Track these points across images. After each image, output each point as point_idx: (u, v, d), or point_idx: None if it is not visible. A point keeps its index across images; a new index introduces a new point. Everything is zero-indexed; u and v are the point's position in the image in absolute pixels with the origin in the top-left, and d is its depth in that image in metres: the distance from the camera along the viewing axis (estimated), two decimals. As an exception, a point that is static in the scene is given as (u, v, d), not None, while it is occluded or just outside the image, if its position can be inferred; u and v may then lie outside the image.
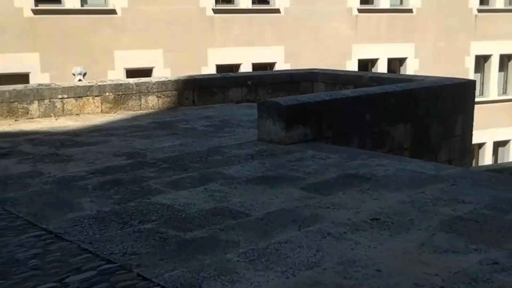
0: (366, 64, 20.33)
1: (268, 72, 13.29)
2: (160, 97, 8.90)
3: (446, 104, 7.78)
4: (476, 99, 21.10)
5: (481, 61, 22.01)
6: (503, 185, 4.61)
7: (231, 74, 10.22)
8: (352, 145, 6.71)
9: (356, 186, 4.53)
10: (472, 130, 8.44)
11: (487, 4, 21.76)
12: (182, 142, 6.42)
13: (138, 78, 9.17)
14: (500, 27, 21.71)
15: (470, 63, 21.52)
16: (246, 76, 9.83)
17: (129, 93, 8.69)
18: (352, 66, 19.65)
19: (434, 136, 7.74)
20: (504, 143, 22.52)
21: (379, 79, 8.96)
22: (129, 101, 8.70)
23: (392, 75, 9.66)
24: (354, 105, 6.68)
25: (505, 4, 21.97)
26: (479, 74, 22.14)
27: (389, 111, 7.06)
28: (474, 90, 8.21)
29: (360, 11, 19.59)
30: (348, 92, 6.76)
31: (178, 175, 4.94)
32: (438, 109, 7.68)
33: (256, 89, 9.60)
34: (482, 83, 22.28)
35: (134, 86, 8.74)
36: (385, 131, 7.07)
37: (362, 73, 10.78)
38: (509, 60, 22.44)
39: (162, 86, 8.94)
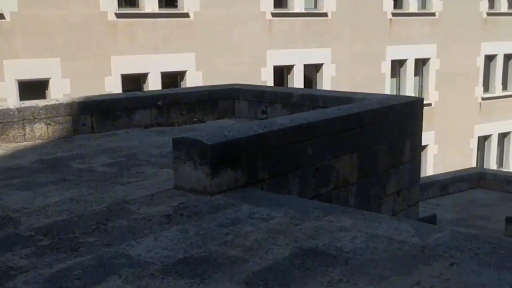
0: (281, 71, 19.25)
1: (181, 89, 11.79)
2: (50, 124, 7.23)
3: (394, 128, 6.65)
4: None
5: (397, 65, 21.49)
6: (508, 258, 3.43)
7: (138, 93, 8.65)
8: (293, 187, 5.41)
9: (321, 273, 3.20)
10: (420, 155, 7.37)
11: (401, 8, 21.24)
12: (74, 195, 4.85)
13: (21, 102, 7.46)
14: (414, 31, 21.28)
15: (387, 68, 20.93)
16: (155, 95, 8.30)
17: (9, 120, 6.97)
18: (267, 73, 18.50)
19: (382, 165, 6.58)
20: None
21: (311, 97, 7.73)
22: (9, 130, 6.99)
23: (326, 92, 8.46)
24: (294, 136, 5.37)
25: (418, 8, 21.54)
26: (395, 79, 21.64)
27: (333, 141, 5.81)
28: (422, 109, 7.14)
29: (274, 15, 18.45)
30: (286, 121, 5.43)
31: (63, 262, 3.41)
32: (385, 134, 6.53)
33: (169, 110, 8.11)
34: (398, 88, 21.79)
35: (16, 112, 7.02)
36: (329, 166, 5.81)
37: (292, 89, 9.57)
38: (423, 65, 22.06)
39: (52, 111, 7.27)
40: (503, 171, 15.96)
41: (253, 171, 4.96)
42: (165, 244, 3.69)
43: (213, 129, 6.12)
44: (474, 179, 14.19)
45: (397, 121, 6.66)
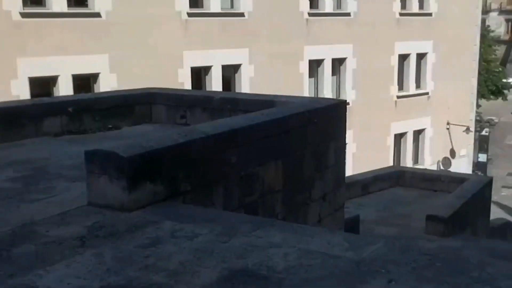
0: (199, 72, 18.91)
1: (94, 95, 11.17)
2: None
3: (318, 132, 6.46)
4: (311, 104, 20.59)
5: (315, 65, 21.60)
6: (449, 272, 3.28)
7: (46, 99, 8.08)
8: (217, 198, 5.10)
9: (255, 299, 2.91)
10: (345, 157, 7.24)
11: (317, 8, 21.36)
12: (-27, 217, 4.34)
13: None
14: (331, 31, 21.46)
15: (305, 68, 20.99)
16: (66, 101, 7.76)
17: None
18: (184, 74, 18.11)
19: (307, 170, 6.38)
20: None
21: (233, 100, 7.45)
22: None
23: (247, 96, 8.20)
24: (217, 145, 5.06)
25: (334, 8, 21.74)
26: (313, 79, 21.75)
27: (257, 147, 5.54)
28: (345, 112, 7.01)
29: (189, 15, 18.08)
30: (208, 128, 5.11)
31: (-43, 301, 2.96)
32: (310, 139, 6.33)
33: (81, 116, 7.59)
34: (317, 88, 21.92)
35: None
36: (254, 174, 5.54)
37: (212, 93, 9.24)
38: (340, 64, 22.29)
39: (-51, 120, 6.62)
40: (420, 169, 16.31)
41: (174, 184, 4.61)
42: (79, 271, 3.29)
43: (130, 139, 5.72)
44: (394, 178, 14.38)
45: (321, 125, 6.48)
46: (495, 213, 28.06)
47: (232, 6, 19.39)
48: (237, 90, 19.90)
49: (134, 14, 16.56)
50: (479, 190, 12.56)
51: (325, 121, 6.58)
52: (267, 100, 7.14)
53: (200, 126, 5.41)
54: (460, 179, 13.79)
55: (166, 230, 3.94)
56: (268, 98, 7.35)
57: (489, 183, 13.30)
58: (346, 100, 7.15)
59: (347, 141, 21.54)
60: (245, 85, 19.70)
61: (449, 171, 16.85)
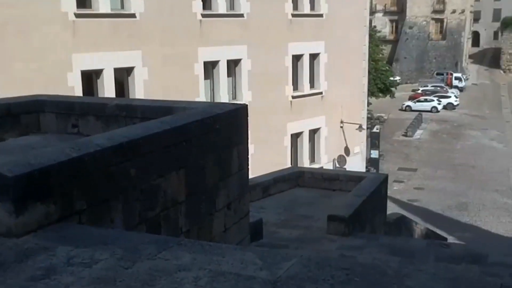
0: (90, 76, 18.12)
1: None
2: None
3: (221, 138, 6.21)
4: (208, 106, 20.28)
5: (210, 67, 21.36)
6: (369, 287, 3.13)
7: None
8: (116, 215, 4.71)
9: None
10: (248, 163, 7.04)
11: (210, 9, 21.13)
12: None
13: None
14: (225, 32, 21.30)
15: (200, 70, 20.69)
16: None
17: None
18: (74, 79, 17.27)
19: (210, 179, 6.10)
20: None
21: (128, 107, 7.02)
22: None
23: (144, 102, 7.74)
24: (114, 157, 4.66)
25: (227, 9, 21.60)
26: (209, 81, 21.50)
27: (158, 158, 5.19)
28: (247, 116, 6.81)
29: (77, 15, 17.26)
30: (103, 140, 4.70)
31: None
32: (212, 146, 6.06)
33: (-42, 129, 6.89)
34: (213, 90, 21.70)
35: None
36: (156, 186, 5.20)
37: (106, 99, 8.72)
38: (236, 65, 22.20)
39: None
40: (319, 169, 16.48)
41: (68, 202, 4.18)
42: (-44, 316, 2.83)
43: (16, 154, 5.18)
44: (293, 179, 14.40)
45: (223, 131, 6.23)
46: (389, 207, 29.11)
47: (122, 7, 18.76)
48: (131, 94, 19.29)
49: (15, 15, 15.57)
50: (376, 187, 12.82)
51: (227, 127, 6.34)
52: (166, 107, 6.79)
53: (95, 137, 4.98)
54: (357, 177, 14.03)
55: (61, 257, 3.52)
56: (166, 104, 7.00)
57: (385, 180, 13.63)
58: (247, 104, 6.93)
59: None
60: (139, 88, 19.13)
61: (347, 170, 17.19)
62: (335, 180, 14.30)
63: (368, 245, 10.89)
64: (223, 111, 6.38)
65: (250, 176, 20.52)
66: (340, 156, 27.05)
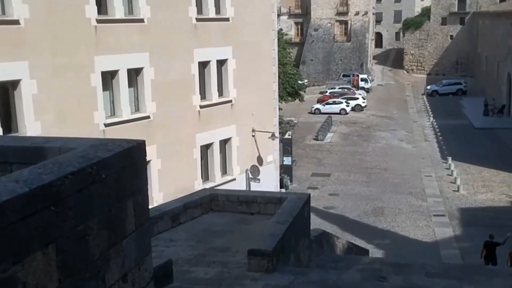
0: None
1: None
2: None
3: (109, 191, 4.54)
4: (108, 121, 18.40)
5: (109, 77, 19.38)
6: None
7: None
8: None
9: None
10: (149, 216, 5.39)
11: (106, 14, 19.14)
12: None
13: None
14: (124, 39, 19.41)
15: (97, 81, 18.68)
16: None
17: None
18: None
19: (96, 249, 4.41)
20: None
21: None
22: None
23: (3, 141, 5.84)
24: None
25: (125, 14, 19.68)
26: (108, 92, 19.53)
27: (9, 237, 3.47)
28: (145, 155, 5.18)
29: (-51, 23, 14.88)
30: None
31: None
32: (96, 204, 4.38)
33: None
34: (113, 102, 19.74)
35: None
36: (8, 279, 3.47)
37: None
38: (137, 75, 20.31)
39: None
40: (235, 191, 14.95)
41: None
42: None
43: None
44: (206, 203, 12.81)
45: (112, 181, 4.57)
46: (315, 224, 28.11)
47: (3, 12, 16.48)
48: (18, 110, 17.05)
49: None
50: (299, 211, 11.46)
51: (117, 173, 4.67)
52: (34, 148, 5.04)
53: None
54: (276, 199, 12.65)
55: None
56: (36, 143, 5.21)
57: (307, 201, 12.29)
58: (144, 141, 5.25)
59: (150, 158, 19.54)
60: (28, 104, 16.92)
61: (264, 191, 15.83)
62: (252, 203, 12.84)
63: (296, 282, 9.50)
64: (111, 154, 4.69)
65: (157, 192, 18.68)
66: (253, 166, 25.73)
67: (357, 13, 77.22)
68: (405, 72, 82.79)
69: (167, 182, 21.30)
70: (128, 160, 4.88)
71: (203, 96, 22.95)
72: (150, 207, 15.54)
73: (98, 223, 4.44)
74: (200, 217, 12.69)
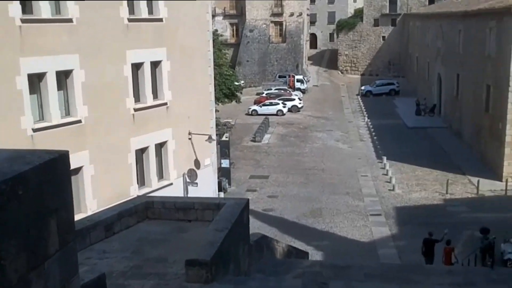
0: None
1: None
2: None
3: (28, 208, 4.04)
4: (36, 126, 17.50)
5: (36, 80, 18.48)
6: None
7: None
8: None
9: None
10: (75, 233, 4.90)
11: (32, 13, 18.23)
12: None
13: None
14: (51, 40, 18.54)
15: (23, 84, 17.75)
16: None
17: None
18: None
19: (13, 274, 3.92)
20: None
21: None
22: None
23: None
24: None
25: (52, 14, 18.81)
26: (35, 96, 18.61)
27: None
28: (68, 167, 4.67)
29: None
30: None
31: None
32: (13, 223, 3.88)
33: None
34: (41, 106, 18.83)
35: None
36: None
37: None
38: (67, 77, 19.46)
39: None
40: (171, 197, 14.45)
41: None
42: None
43: None
44: (141, 211, 12.27)
45: (31, 197, 4.07)
46: (254, 227, 27.82)
47: None
48: None
49: None
50: (238, 217, 11.11)
51: (38, 189, 4.17)
52: None
53: None
54: (214, 205, 12.25)
55: None
56: None
57: (246, 206, 11.95)
58: (67, 151, 4.76)
59: (82, 164, 18.73)
60: None
61: (202, 197, 15.37)
62: (190, 210, 12.39)
63: (237, 293, 9.16)
64: (29, 167, 4.19)
65: (91, 199, 17.89)
66: (191, 170, 25.22)
67: (291, 14, 77.67)
68: (339, 72, 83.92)
69: (101, 188, 20.55)
70: (50, 174, 4.39)
71: (137, 99, 22.28)
72: (83, 215, 14.86)
73: (16, 245, 3.95)
74: (136, 226, 12.15)
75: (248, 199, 12.34)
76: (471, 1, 48.28)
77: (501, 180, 33.23)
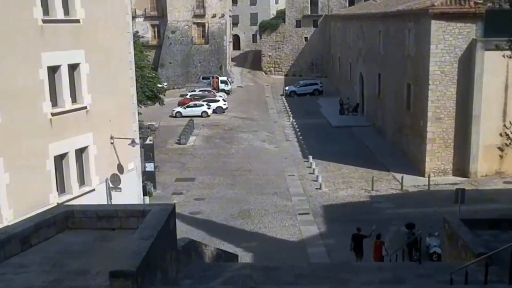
0: None
1: None
2: None
3: None
4: None
5: None
6: None
7: None
8: None
9: None
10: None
11: None
12: None
13: None
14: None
15: None
16: None
17: None
18: None
19: None
20: None
21: None
22: None
23: None
24: None
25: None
26: None
27: None
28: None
29: None
30: None
31: None
32: None
33: None
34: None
35: None
36: None
37: None
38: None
39: None
40: (92, 205, 13.78)
41: None
42: None
43: None
44: (61, 221, 11.58)
45: None
46: (181, 231, 27.23)
47: None
48: None
49: None
50: (164, 223, 10.65)
51: None
52: None
53: None
54: (139, 211, 11.72)
55: None
56: None
57: (172, 212, 11.50)
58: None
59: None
60: None
61: (126, 204, 14.72)
62: (113, 218, 11.80)
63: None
64: None
65: (7, 211, 16.84)
66: (114, 175, 24.39)
67: (214, 16, 77.31)
68: (263, 73, 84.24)
69: (18, 197, 19.48)
70: None
71: (54, 103, 21.25)
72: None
73: None
74: (55, 237, 11.45)
75: (174, 204, 11.88)
76: (390, 3, 49.53)
77: (423, 176, 34.13)
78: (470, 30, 33.12)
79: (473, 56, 32.87)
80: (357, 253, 22.38)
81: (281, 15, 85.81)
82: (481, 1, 31.84)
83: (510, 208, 28.48)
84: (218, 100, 60.57)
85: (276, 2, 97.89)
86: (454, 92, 33.74)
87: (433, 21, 33.17)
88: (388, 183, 34.21)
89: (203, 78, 73.79)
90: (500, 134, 32.84)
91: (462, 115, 33.82)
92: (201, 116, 56.27)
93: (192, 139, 47.50)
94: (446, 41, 33.29)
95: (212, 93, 65.57)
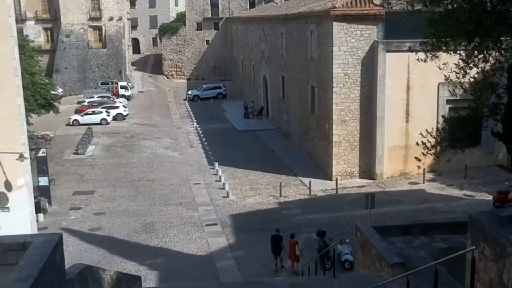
0: None
1: None
2: None
3: None
4: None
5: None
6: None
7: None
8: None
9: None
10: None
11: None
12: None
13: None
14: None
15: None
16: None
17: None
18: None
19: None
20: None
21: None
22: None
23: None
24: None
25: None
26: None
27: None
28: None
29: None
30: None
31: None
32: None
33: None
34: None
35: None
36: None
37: None
38: None
39: None
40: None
41: None
42: None
43: None
44: None
45: None
46: (69, 242, 25.12)
47: None
48: None
49: None
50: (48, 258, 9.03)
51: None
52: None
53: None
54: (19, 244, 9.95)
55: None
56: None
57: (59, 243, 9.85)
58: None
59: None
60: None
61: (3, 236, 12.74)
62: (-14, 253, 9.98)
63: None
64: None
65: None
66: (1, 194, 22.06)
67: (111, 19, 74.35)
68: (165, 77, 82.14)
69: None
70: None
71: None
72: None
73: None
74: None
75: (61, 234, 10.22)
76: (291, 5, 49.18)
77: (331, 179, 33.73)
78: (371, 32, 33.09)
79: (375, 58, 32.86)
80: (276, 256, 22.64)
81: (181, 18, 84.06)
82: (379, 3, 31.89)
83: (416, 210, 28.54)
84: (118, 107, 58.06)
85: (176, 5, 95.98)
86: (358, 94, 33.60)
87: (335, 23, 32.86)
88: (296, 188, 33.53)
89: (102, 83, 70.75)
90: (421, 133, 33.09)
91: (367, 117, 33.74)
92: (100, 124, 53.61)
93: (90, 148, 44.96)
94: (348, 43, 33.09)
95: (111, 99, 62.90)
